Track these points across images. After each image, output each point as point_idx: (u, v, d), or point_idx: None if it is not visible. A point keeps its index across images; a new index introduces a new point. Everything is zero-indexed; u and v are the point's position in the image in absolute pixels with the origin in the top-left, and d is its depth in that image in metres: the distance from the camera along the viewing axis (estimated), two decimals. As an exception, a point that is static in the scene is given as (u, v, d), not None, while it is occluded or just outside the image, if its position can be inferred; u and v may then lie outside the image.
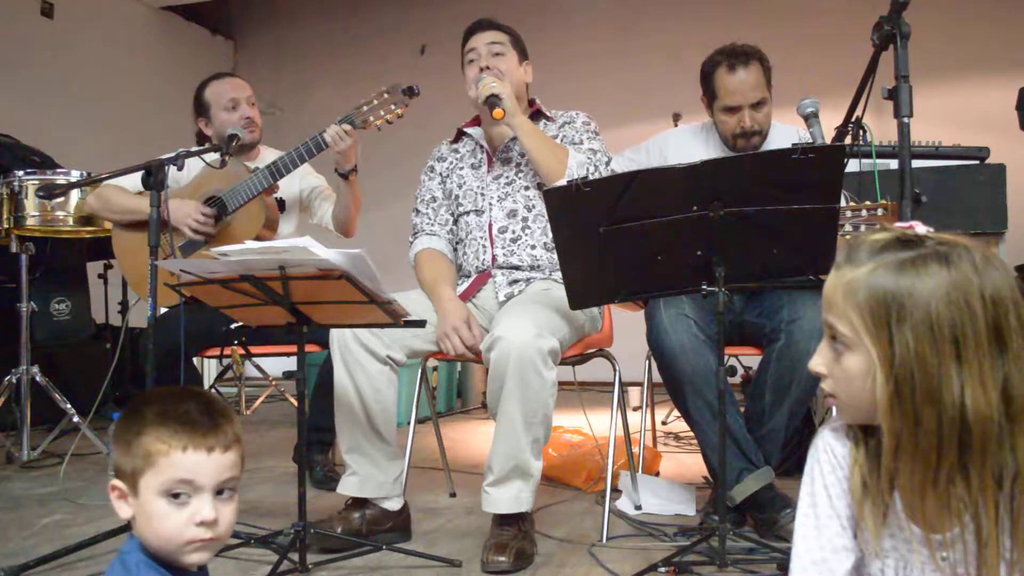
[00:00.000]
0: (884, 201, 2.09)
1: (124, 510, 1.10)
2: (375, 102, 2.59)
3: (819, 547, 1.13)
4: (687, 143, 2.62)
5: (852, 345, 1.05)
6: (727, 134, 2.50)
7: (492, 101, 2.27)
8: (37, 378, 3.24)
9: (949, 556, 1.07)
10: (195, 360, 3.41)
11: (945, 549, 1.07)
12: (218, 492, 1.09)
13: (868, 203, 2.09)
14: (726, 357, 2.20)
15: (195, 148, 2.69)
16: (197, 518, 1.07)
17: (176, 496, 1.07)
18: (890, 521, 1.10)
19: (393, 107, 2.58)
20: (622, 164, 2.71)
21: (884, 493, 1.08)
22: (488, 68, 2.38)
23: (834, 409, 2.50)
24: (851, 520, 1.13)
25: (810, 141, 2.31)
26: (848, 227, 2.07)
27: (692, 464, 3.04)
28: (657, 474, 2.87)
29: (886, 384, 1.01)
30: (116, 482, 1.10)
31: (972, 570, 1.06)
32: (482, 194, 2.44)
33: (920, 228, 1.07)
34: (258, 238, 2.75)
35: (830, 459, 1.15)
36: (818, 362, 1.10)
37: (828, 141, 2.29)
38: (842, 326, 1.05)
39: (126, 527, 1.12)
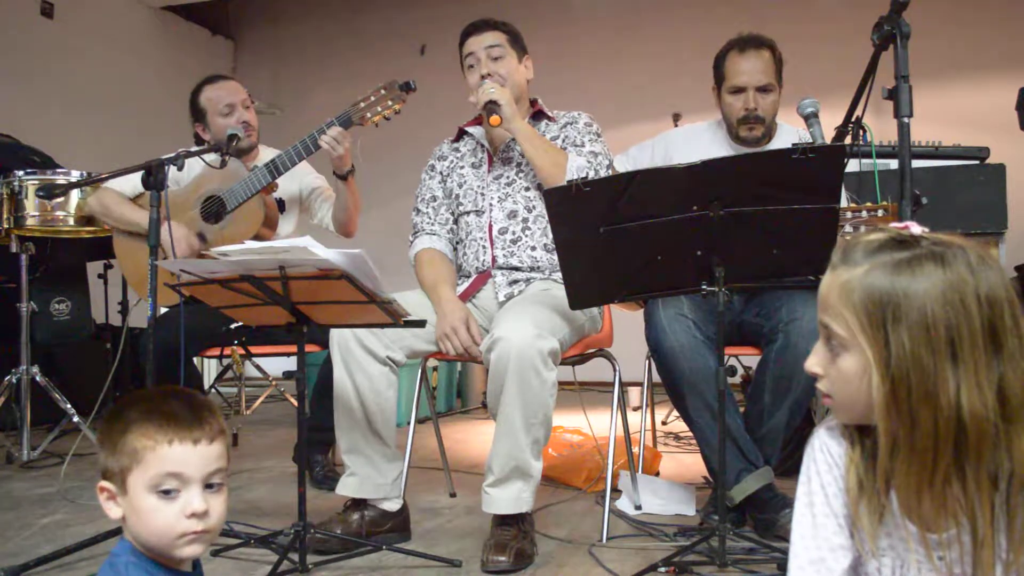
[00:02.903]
0: (885, 203, 2.09)
1: (114, 511, 1.11)
2: (372, 99, 2.58)
3: (816, 546, 1.13)
4: (691, 141, 2.62)
5: (847, 346, 1.05)
6: (732, 119, 2.51)
7: (490, 108, 2.27)
8: (37, 378, 3.24)
9: (946, 556, 1.07)
10: (195, 360, 3.41)
11: (942, 549, 1.07)
12: (207, 485, 1.10)
13: (869, 204, 2.09)
14: (725, 357, 2.20)
15: (195, 148, 2.70)
16: (188, 510, 1.08)
17: (166, 491, 1.08)
18: (886, 520, 1.10)
19: (390, 103, 2.58)
20: (625, 162, 2.71)
21: (880, 493, 1.08)
22: (489, 75, 2.37)
23: (833, 409, 2.49)
24: (848, 519, 1.13)
25: (810, 141, 2.31)
26: (848, 228, 2.07)
27: (692, 464, 3.04)
28: (657, 474, 2.87)
29: (882, 385, 1.01)
30: (104, 483, 1.11)
31: (968, 570, 1.06)
32: (482, 194, 2.44)
33: (915, 228, 1.07)
34: (257, 237, 2.75)
35: (826, 458, 1.15)
36: (814, 362, 1.10)
37: (828, 141, 2.29)
38: (837, 326, 1.05)
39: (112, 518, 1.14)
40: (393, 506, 2.22)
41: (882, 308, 1.01)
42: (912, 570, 1.10)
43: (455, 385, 4.94)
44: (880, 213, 2.07)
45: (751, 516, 2.24)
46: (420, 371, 2.59)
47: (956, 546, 1.06)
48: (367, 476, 2.19)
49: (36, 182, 3.18)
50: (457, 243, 2.50)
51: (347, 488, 2.20)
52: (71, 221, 3.23)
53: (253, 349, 3.12)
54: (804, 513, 1.16)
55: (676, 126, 4.15)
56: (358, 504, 2.20)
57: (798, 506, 1.17)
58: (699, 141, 2.61)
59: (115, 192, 2.88)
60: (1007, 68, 4.90)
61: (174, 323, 2.45)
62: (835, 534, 1.13)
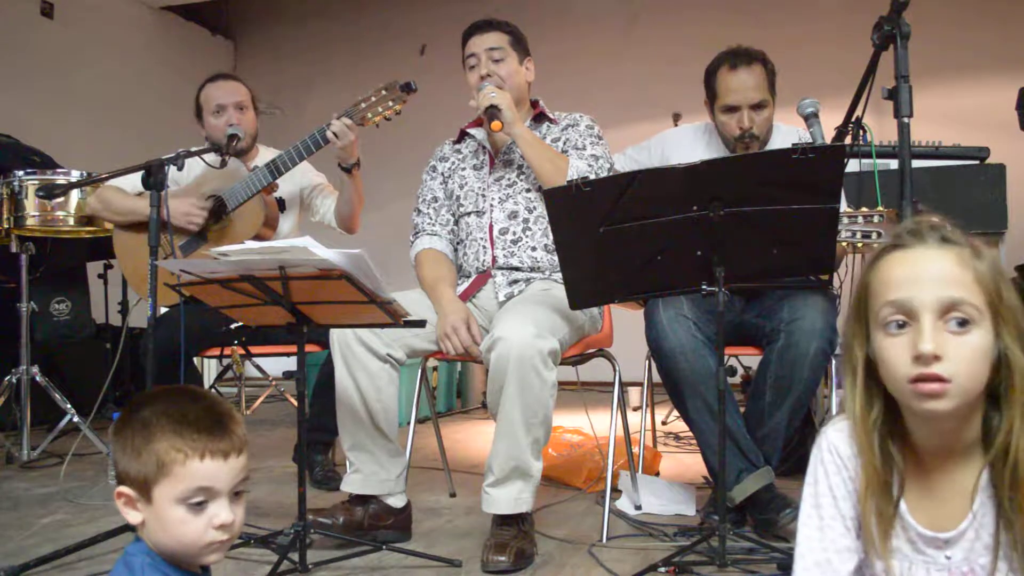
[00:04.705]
0: (881, 208, 2.09)
1: (133, 516, 1.09)
2: (373, 99, 2.58)
3: (822, 548, 1.12)
4: (688, 143, 2.61)
5: (978, 321, 1.02)
6: (728, 137, 2.47)
7: (491, 112, 2.27)
8: (37, 378, 3.24)
9: (954, 554, 1.08)
10: (195, 360, 3.41)
11: (951, 547, 1.07)
12: (232, 493, 1.10)
13: (864, 209, 2.09)
14: (726, 357, 2.19)
15: (195, 148, 2.70)
16: (216, 522, 1.07)
17: (195, 503, 1.06)
18: (895, 522, 1.10)
19: (391, 104, 2.57)
20: (623, 162, 2.70)
21: (899, 489, 1.08)
22: (489, 75, 2.37)
23: (834, 409, 2.50)
24: (855, 521, 1.12)
25: (810, 141, 2.31)
26: (845, 234, 2.08)
27: (692, 464, 3.04)
28: (657, 474, 2.87)
29: None
30: (124, 489, 1.09)
31: (977, 567, 1.06)
32: (483, 195, 2.44)
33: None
34: (258, 237, 2.75)
35: (834, 459, 1.13)
36: (934, 344, 1.01)
37: (828, 141, 2.29)
38: (975, 299, 1.02)
39: (127, 526, 1.12)
40: (398, 502, 2.23)
41: (1006, 283, 1.03)
42: (920, 570, 1.10)
43: (455, 385, 4.94)
44: (876, 219, 2.07)
45: (751, 516, 2.24)
46: (420, 371, 2.59)
47: (965, 543, 1.06)
48: (372, 472, 2.19)
49: (36, 182, 3.18)
50: (458, 244, 2.50)
51: (352, 485, 2.20)
52: (71, 221, 3.23)
53: (253, 349, 3.13)
54: (811, 515, 1.14)
55: (676, 126, 4.16)
56: (362, 499, 2.20)
57: (804, 507, 1.16)
58: (696, 142, 2.60)
59: (115, 187, 2.88)
60: (1007, 68, 4.89)
61: (174, 323, 2.45)
62: (842, 536, 1.12)
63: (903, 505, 1.08)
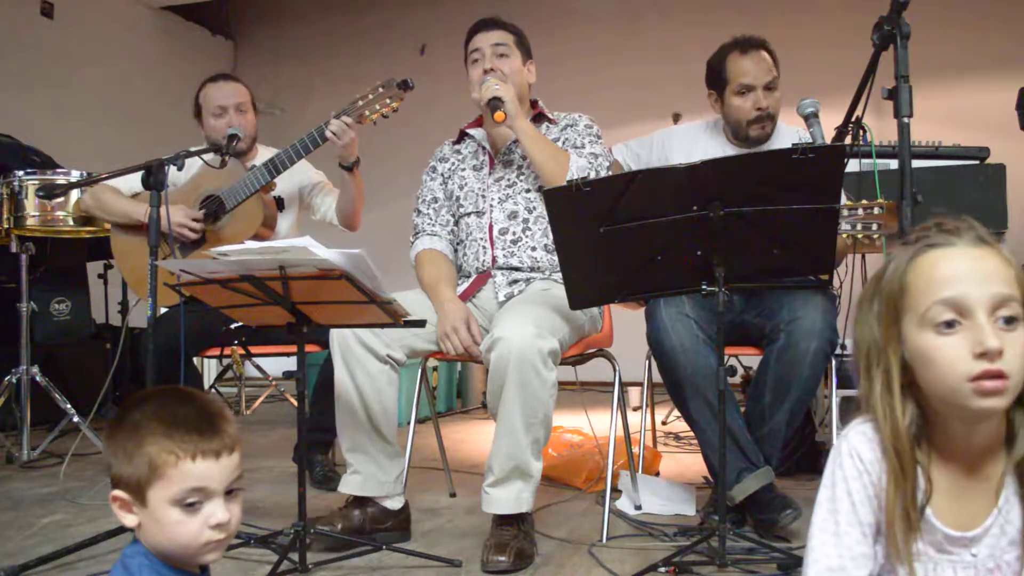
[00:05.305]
0: (881, 200, 2.09)
1: (129, 519, 1.09)
2: (370, 96, 2.58)
3: (838, 554, 1.10)
4: (690, 141, 2.61)
5: (1022, 318, 1.02)
6: (742, 120, 2.48)
7: (494, 104, 2.27)
8: (37, 378, 3.24)
9: (980, 551, 1.08)
10: (195, 360, 3.41)
11: (976, 544, 1.07)
12: (227, 492, 1.09)
13: (864, 201, 2.09)
14: (726, 357, 2.19)
15: (195, 148, 2.70)
16: (212, 521, 1.07)
17: (190, 503, 1.06)
18: (919, 526, 1.09)
19: (388, 101, 2.57)
20: (625, 153, 2.71)
21: (921, 510, 1.07)
22: (492, 70, 2.37)
23: (835, 409, 2.49)
24: (872, 527, 1.10)
25: (810, 141, 2.30)
26: (845, 226, 2.07)
27: (692, 464, 3.04)
28: (657, 474, 2.87)
29: None
30: (118, 493, 1.08)
31: (1003, 563, 1.07)
32: (483, 195, 2.44)
33: None
34: (256, 236, 2.75)
35: (855, 464, 1.11)
36: (997, 340, 1.00)
37: (828, 141, 2.29)
38: (1020, 297, 1.03)
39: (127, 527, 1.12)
40: (395, 504, 2.22)
41: None
42: (946, 570, 1.09)
43: (455, 385, 4.94)
44: (876, 211, 2.07)
45: (751, 516, 2.24)
46: (420, 371, 2.59)
47: (989, 539, 1.06)
48: (370, 474, 2.19)
49: (36, 182, 3.18)
50: (458, 244, 2.50)
51: (350, 486, 2.20)
52: (71, 221, 3.23)
53: (253, 349, 3.12)
54: (826, 519, 1.12)
55: (676, 125, 4.15)
56: (361, 501, 2.20)
57: (820, 511, 1.13)
58: (697, 141, 2.60)
59: (110, 187, 2.88)
60: (1007, 68, 4.89)
61: (174, 323, 2.45)
62: (858, 543, 1.10)
63: (928, 509, 1.07)
